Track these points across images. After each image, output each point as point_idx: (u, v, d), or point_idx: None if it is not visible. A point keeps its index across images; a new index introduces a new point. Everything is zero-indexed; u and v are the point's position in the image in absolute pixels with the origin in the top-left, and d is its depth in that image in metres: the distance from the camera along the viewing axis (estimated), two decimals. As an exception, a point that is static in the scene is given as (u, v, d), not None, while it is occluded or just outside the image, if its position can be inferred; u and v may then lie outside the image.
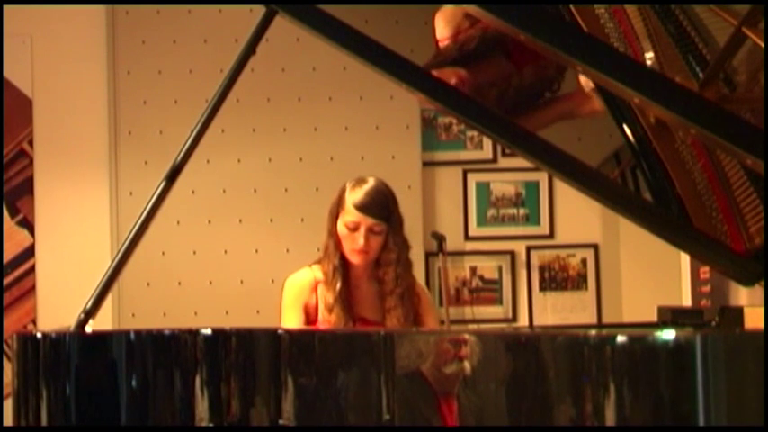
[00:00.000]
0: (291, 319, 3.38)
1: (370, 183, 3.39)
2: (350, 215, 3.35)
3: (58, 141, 5.05)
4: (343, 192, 3.40)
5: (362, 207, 3.34)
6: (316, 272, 3.43)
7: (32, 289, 5.02)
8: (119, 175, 5.00)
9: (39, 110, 5.06)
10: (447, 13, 3.31)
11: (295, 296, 3.41)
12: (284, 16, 2.95)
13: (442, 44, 3.29)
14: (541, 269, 5.12)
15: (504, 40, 3.16)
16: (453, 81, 3.12)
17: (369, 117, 5.04)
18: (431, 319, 3.52)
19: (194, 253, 4.99)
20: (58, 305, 4.75)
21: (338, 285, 3.36)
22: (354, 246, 3.35)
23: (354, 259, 3.38)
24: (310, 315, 3.40)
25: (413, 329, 3.33)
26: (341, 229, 3.37)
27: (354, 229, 3.35)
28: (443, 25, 3.30)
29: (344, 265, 3.40)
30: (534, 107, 3.28)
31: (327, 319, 3.34)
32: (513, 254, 5.12)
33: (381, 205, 3.36)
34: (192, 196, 4.91)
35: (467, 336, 2.48)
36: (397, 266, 3.39)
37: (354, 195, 3.36)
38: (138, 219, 2.90)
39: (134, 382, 2.71)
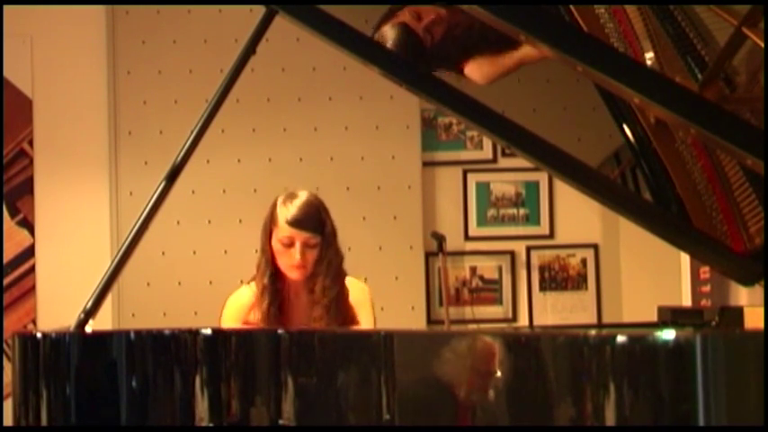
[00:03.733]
0: None
1: (302, 197, 3.36)
2: (284, 231, 3.32)
3: (58, 141, 5.05)
4: (274, 208, 3.37)
5: (296, 222, 3.31)
6: (254, 289, 3.41)
7: (32, 289, 5.03)
8: (119, 175, 5.00)
9: (39, 110, 5.06)
10: None
11: (232, 316, 3.39)
12: (284, 16, 2.94)
13: None
14: (541, 269, 5.12)
15: None
16: (432, 16, 3.09)
17: (369, 117, 5.04)
18: (363, 322, 3.45)
19: (194, 253, 4.99)
20: (58, 305, 4.76)
21: (265, 305, 3.33)
22: (291, 261, 3.32)
23: (293, 275, 3.35)
24: None
25: (413, 330, 3.33)
26: (276, 245, 3.34)
27: (290, 244, 3.32)
28: None
29: (278, 281, 3.37)
30: (501, 48, 3.23)
31: None
32: (513, 254, 5.12)
33: (314, 218, 3.33)
34: (192, 196, 4.91)
35: (466, 336, 2.48)
36: (325, 278, 3.34)
37: (286, 211, 3.32)
38: (138, 219, 2.90)
39: (134, 382, 2.71)
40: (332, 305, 3.36)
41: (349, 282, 3.45)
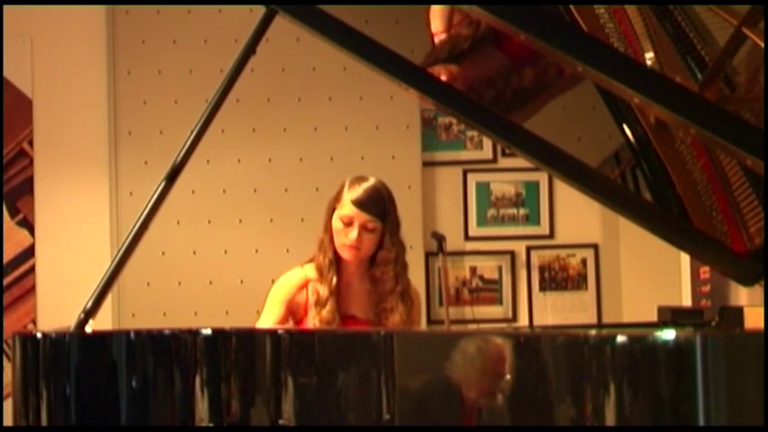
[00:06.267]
0: (271, 314, 3.39)
1: (370, 181, 3.42)
2: (345, 209, 3.36)
3: (58, 141, 5.05)
4: (342, 187, 3.41)
5: (358, 203, 3.35)
6: (308, 271, 3.43)
7: (32, 289, 5.03)
8: (119, 175, 5.00)
9: (39, 110, 5.06)
10: (439, 5, 3.29)
11: (283, 294, 3.41)
12: (284, 16, 2.95)
13: (437, 38, 3.27)
14: (541, 269, 5.12)
15: (498, 36, 3.13)
16: (444, 77, 3.10)
17: (369, 117, 5.04)
18: (416, 324, 3.51)
19: (194, 253, 4.99)
20: (58, 305, 4.76)
21: (333, 280, 3.37)
22: (346, 240, 3.35)
23: (345, 254, 3.38)
24: (298, 313, 3.40)
25: (413, 330, 3.33)
26: (335, 222, 3.38)
27: (348, 223, 3.35)
28: (437, 19, 3.28)
29: (338, 261, 3.41)
30: (528, 101, 3.24)
31: (318, 314, 3.35)
32: (513, 254, 5.12)
33: (378, 203, 3.37)
34: (192, 196, 4.91)
35: (466, 336, 2.48)
36: (396, 266, 3.41)
37: (352, 191, 3.37)
38: (138, 219, 2.90)
39: (134, 382, 2.71)
40: (405, 294, 3.42)
41: None
